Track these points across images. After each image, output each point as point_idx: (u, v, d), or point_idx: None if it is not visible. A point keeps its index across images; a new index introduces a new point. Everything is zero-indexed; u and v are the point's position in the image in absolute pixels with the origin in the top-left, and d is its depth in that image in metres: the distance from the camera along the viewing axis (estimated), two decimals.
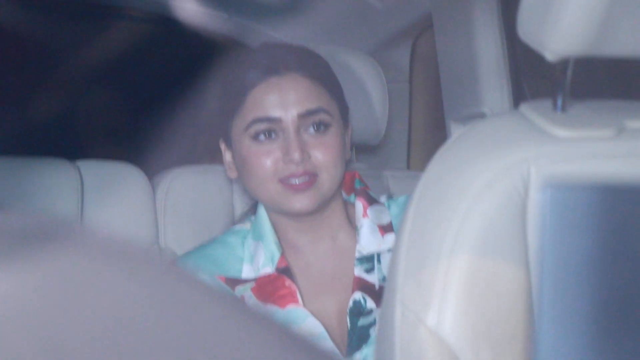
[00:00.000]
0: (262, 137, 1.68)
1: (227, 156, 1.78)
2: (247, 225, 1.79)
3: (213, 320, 0.45)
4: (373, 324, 1.68)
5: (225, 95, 1.74)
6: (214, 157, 2.45)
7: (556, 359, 0.51)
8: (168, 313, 0.44)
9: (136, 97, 2.92)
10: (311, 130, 1.68)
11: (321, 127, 1.68)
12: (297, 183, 1.66)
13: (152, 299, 0.44)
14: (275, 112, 1.68)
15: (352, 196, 1.81)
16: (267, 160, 1.67)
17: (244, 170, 1.72)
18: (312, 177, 1.66)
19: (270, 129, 1.68)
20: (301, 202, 1.67)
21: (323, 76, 1.73)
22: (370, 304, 1.69)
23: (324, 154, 1.68)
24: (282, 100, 1.68)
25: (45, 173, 1.98)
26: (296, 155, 1.64)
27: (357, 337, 1.67)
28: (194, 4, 2.33)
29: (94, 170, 2.03)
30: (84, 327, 0.41)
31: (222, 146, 1.79)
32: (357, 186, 1.81)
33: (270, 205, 1.72)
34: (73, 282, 0.42)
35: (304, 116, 1.67)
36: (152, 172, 2.11)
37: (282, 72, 1.69)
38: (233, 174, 1.78)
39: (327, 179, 1.68)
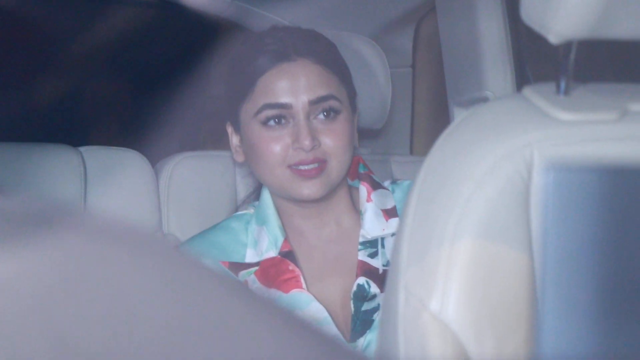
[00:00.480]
0: (272, 122, 1.68)
1: (235, 140, 1.77)
2: (250, 211, 1.79)
3: (217, 303, 0.45)
4: (377, 309, 1.68)
5: (235, 80, 1.74)
6: (218, 143, 2.44)
7: (560, 343, 0.51)
8: (172, 297, 0.44)
9: (138, 82, 2.91)
10: (321, 116, 1.68)
11: (331, 113, 1.68)
12: (307, 169, 1.66)
13: (156, 283, 0.44)
14: (286, 99, 1.67)
15: (357, 181, 1.81)
16: (276, 146, 1.67)
17: (252, 155, 1.71)
18: (321, 164, 1.66)
19: (281, 115, 1.68)
20: (310, 188, 1.67)
21: (333, 61, 1.72)
22: (374, 288, 1.68)
23: (334, 141, 1.68)
24: (293, 86, 1.67)
25: (48, 159, 1.98)
26: (307, 143, 1.64)
27: (361, 322, 1.67)
28: None
29: (97, 157, 2.03)
30: (88, 310, 0.41)
31: (229, 129, 1.78)
32: (361, 171, 1.80)
33: (278, 191, 1.72)
34: (77, 265, 0.42)
35: (314, 103, 1.67)
36: (154, 158, 2.10)
37: (293, 57, 1.69)
38: (240, 158, 1.78)
39: (336, 165, 1.68)
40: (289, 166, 1.66)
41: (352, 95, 1.76)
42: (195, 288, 0.45)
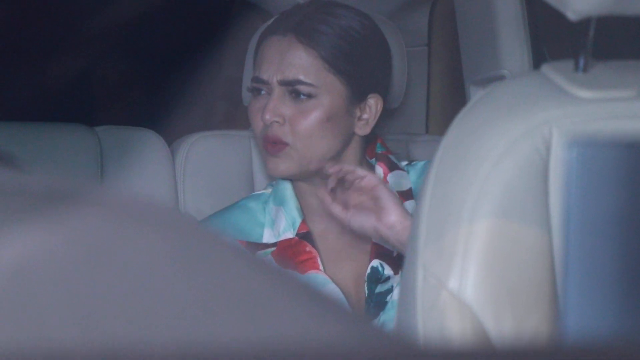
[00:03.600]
0: (257, 93, 1.72)
1: None
2: (268, 190, 1.79)
3: (238, 278, 0.45)
4: (390, 290, 1.68)
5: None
6: (232, 122, 2.44)
7: (583, 320, 0.51)
8: (193, 271, 0.44)
9: (155, 62, 2.91)
10: (297, 96, 1.68)
11: (301, 96, 1.68)
12: (270, 145, 1.67)
13: (177, 257, 0.44)
14: (264, 74, 1.70)
15: (373, 160, 1.80)
16: (257, 116, 1.70)
17: None
18: (281, 144, 1.67)
19: (261, 88, 1.70)
20: (273, 164, 1.69)
21: (326, 46, 1.69)
22: (387, 270, 1.68)
23: (299, 123, 1.67)
24: (272, 62, 1.69)
25: (64, 139, 1.98)
26: (267, 117, 1.66)
27: (375, 304, 1.67)
28: None
29: (113, 136, 2.03)
30: (110, 285, 0.41)
31: None
32: (379, 151, 1.80)
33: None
34: (99, 240, 0.43)
35: (283, 83, 1.68)
36: (171, 138, 2.11)
37: (284, 32, 1.69)
38: None
39: (303, 148, 1.67)
40: (262, 138, 1.69)
41: (356, 83, 1.72)
42: (218, 264, 0.45)
